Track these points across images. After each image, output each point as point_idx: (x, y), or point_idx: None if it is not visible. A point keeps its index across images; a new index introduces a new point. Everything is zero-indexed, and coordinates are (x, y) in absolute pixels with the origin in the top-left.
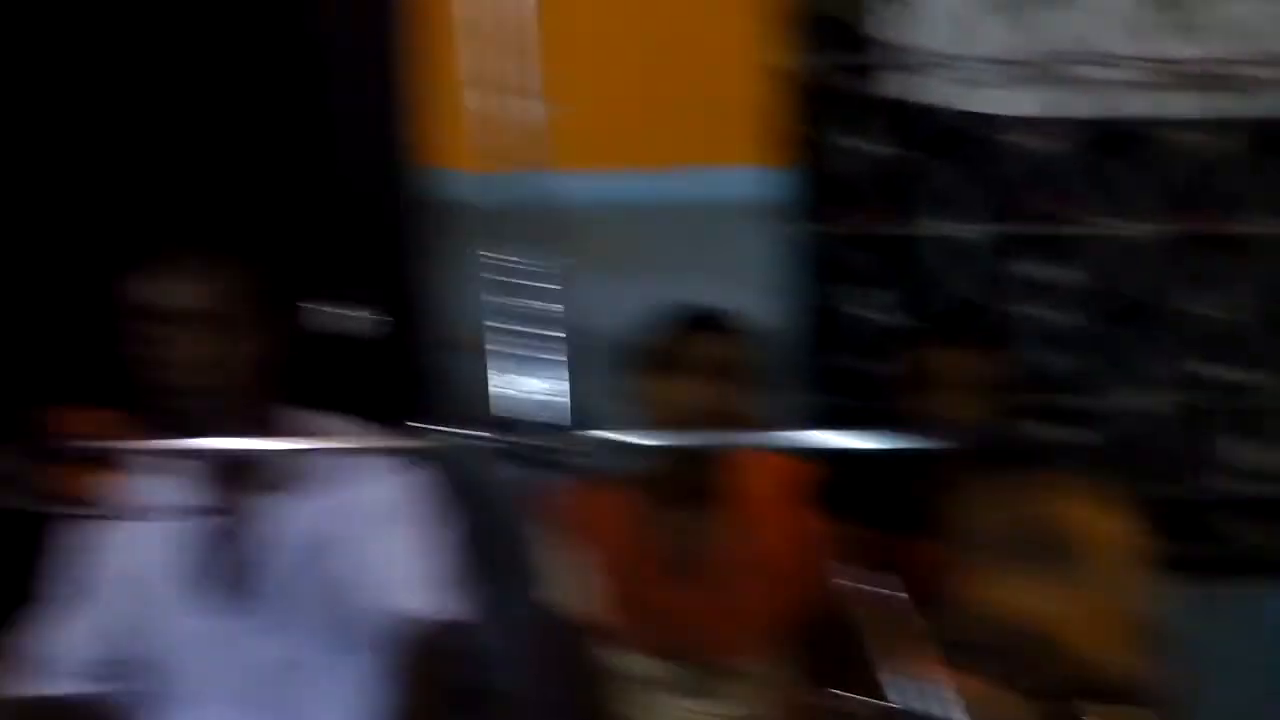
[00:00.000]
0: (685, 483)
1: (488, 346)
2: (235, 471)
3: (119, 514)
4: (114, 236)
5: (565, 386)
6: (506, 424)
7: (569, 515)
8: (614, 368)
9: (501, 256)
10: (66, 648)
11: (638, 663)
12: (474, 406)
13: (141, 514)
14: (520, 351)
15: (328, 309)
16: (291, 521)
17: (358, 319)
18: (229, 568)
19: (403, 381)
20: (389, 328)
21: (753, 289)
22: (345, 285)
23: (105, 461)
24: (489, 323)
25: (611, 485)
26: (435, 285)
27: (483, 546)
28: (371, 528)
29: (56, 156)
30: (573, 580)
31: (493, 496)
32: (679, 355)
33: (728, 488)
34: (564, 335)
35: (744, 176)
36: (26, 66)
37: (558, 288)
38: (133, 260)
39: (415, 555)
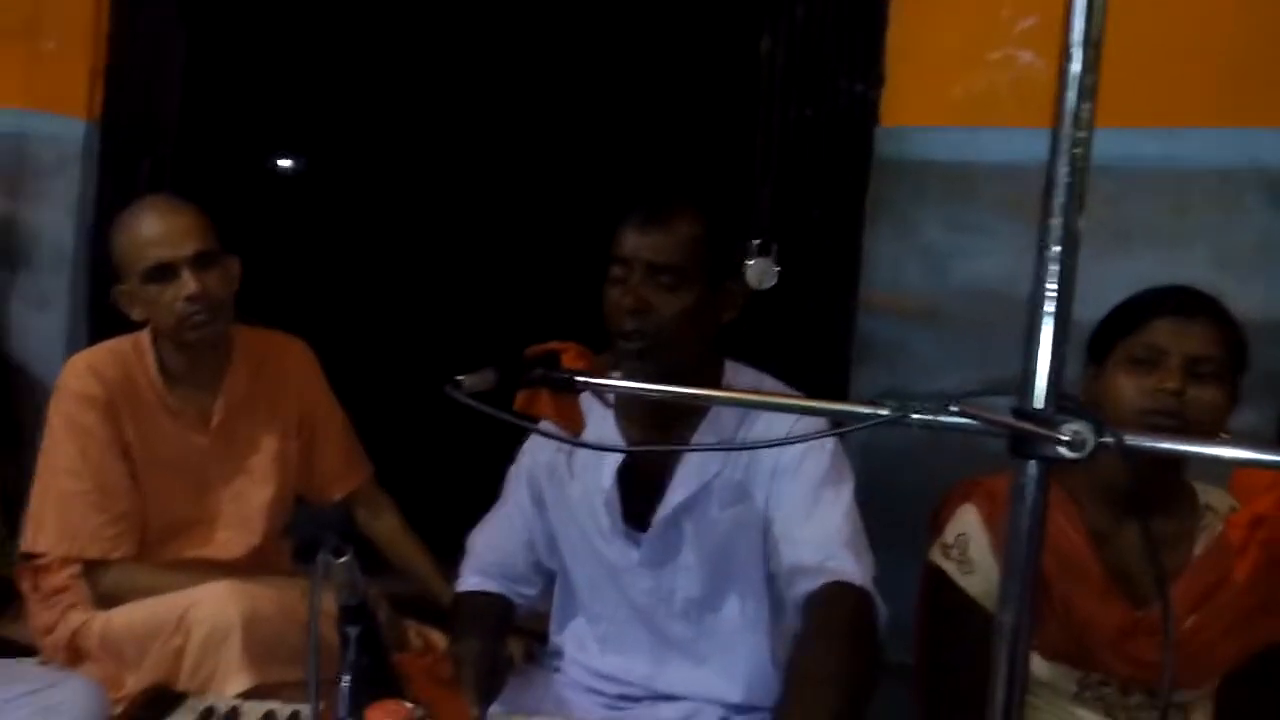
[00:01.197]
0: (1147, 492)
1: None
2: (665, 413)
3: (567, 437)
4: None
5: (1043, 367)
6: (951, 398)
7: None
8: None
9: (965, 219)
10: (489, 548)
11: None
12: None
13: (583, 441)
14: (965, 321)
15: (761, 264)
16: (705, 465)
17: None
18: (642, 501)
19: (824, 340)
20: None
21: (1260, 271)
22: (778, 240)
23: (566, 389)
24: (927, 288)
25: (1063, 480)
26: (881, 246)
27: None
28: (787, 482)
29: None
30: (989, 569)
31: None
32: (1149, 345)
33: (1196, 503)
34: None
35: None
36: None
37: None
38: (623, 211)
39: (835, 515)
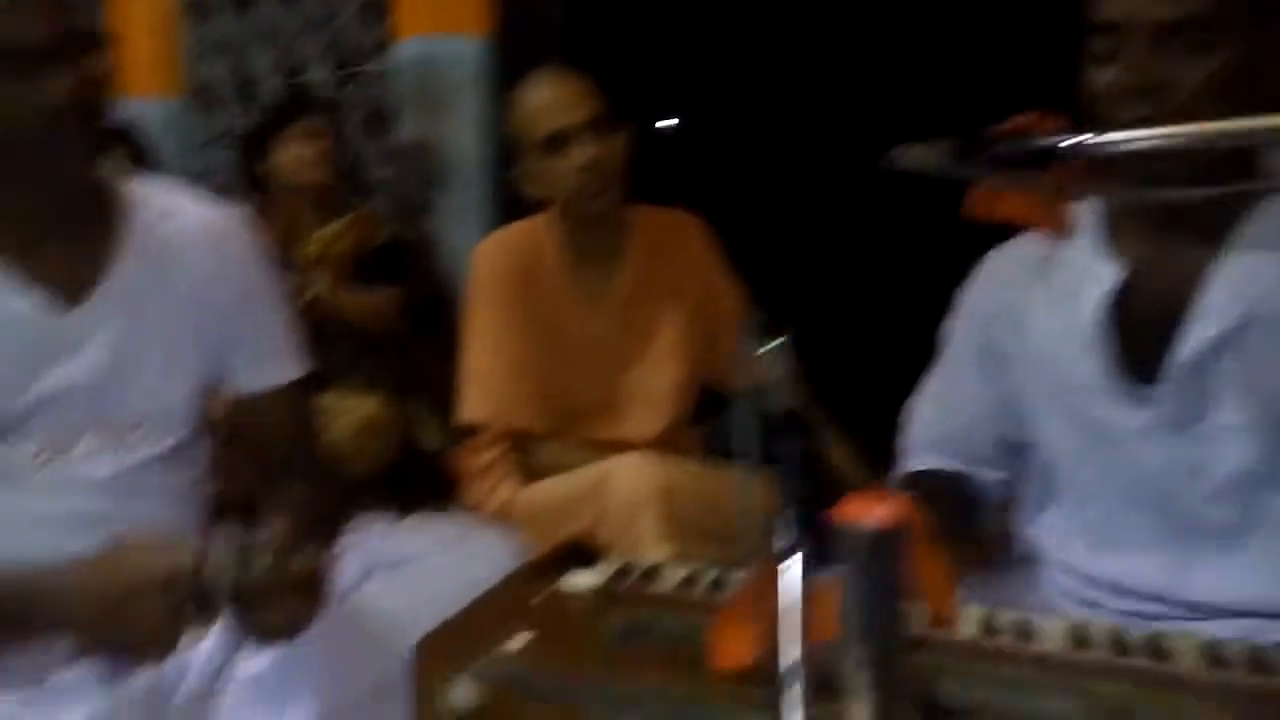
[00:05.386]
0: None
1: None
2: (1188, 218)
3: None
4: None
5: None
6: None
7: None
8: None
9: None
10: (938, 419)
11: None
12: None
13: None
14: None
15: None
16: (1247, 284)
17: None
18: (1148, 340)
19: None
20: None
21: None
22: None
23: (1049, 163)
24: None
25: None
26: None
27: None
28: None
29: None
30: None
31: None
32: None
33: None
34: None
35: None
36: None
37: None
38: None
39: None
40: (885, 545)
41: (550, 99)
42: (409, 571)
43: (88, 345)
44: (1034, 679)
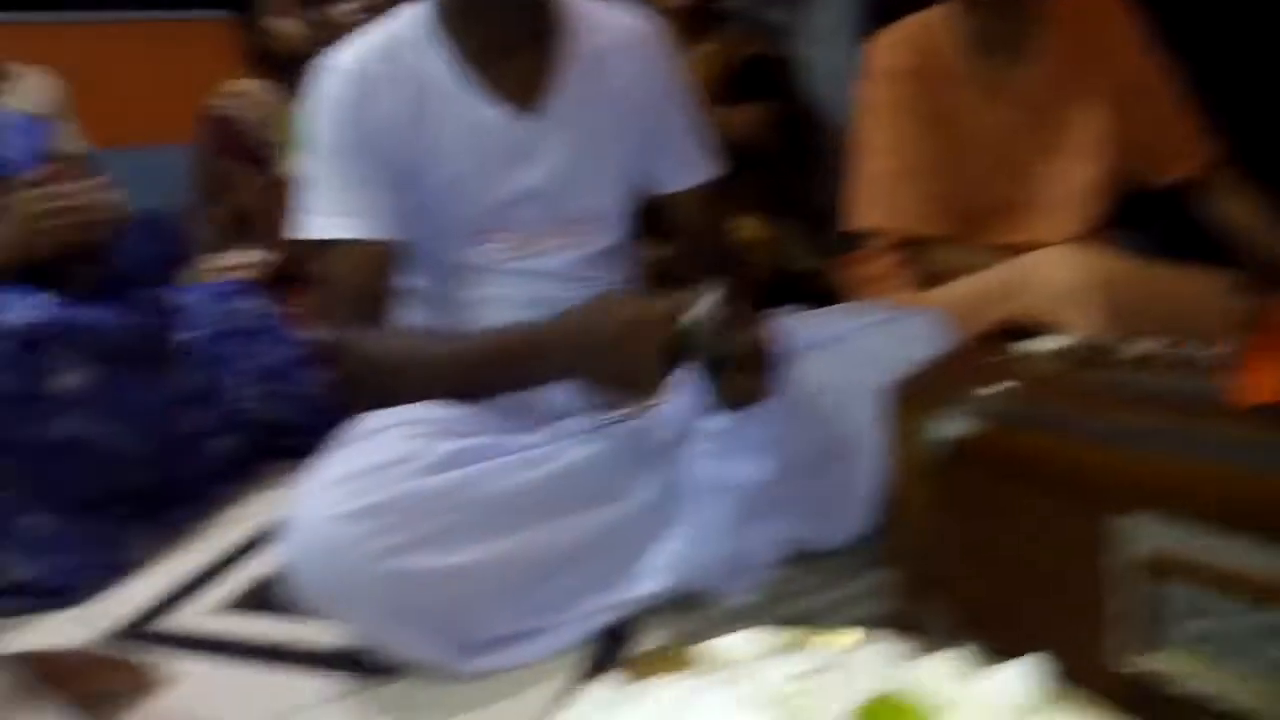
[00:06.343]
0: None
1: None
2: None
3: None
4: None
5: None
6: None
7: None
8: None
9: None
10: None
11: None
12: None
13: None
14: None
15: None
16: None
17: None
18: None
19: None
20: None
21: None
22: None
23: None
24: None
25: None
26: None
27: None
28: None
29: None
30: None
31: None
32: None
33: None
34: None
35: None
36: None
37: None
38: None
39: None
40: None
41: None
42: (842, 350)
43: (543, 152)
44: None
